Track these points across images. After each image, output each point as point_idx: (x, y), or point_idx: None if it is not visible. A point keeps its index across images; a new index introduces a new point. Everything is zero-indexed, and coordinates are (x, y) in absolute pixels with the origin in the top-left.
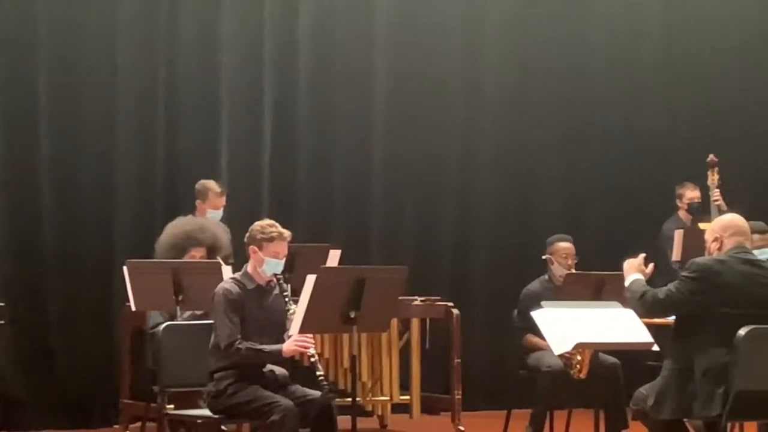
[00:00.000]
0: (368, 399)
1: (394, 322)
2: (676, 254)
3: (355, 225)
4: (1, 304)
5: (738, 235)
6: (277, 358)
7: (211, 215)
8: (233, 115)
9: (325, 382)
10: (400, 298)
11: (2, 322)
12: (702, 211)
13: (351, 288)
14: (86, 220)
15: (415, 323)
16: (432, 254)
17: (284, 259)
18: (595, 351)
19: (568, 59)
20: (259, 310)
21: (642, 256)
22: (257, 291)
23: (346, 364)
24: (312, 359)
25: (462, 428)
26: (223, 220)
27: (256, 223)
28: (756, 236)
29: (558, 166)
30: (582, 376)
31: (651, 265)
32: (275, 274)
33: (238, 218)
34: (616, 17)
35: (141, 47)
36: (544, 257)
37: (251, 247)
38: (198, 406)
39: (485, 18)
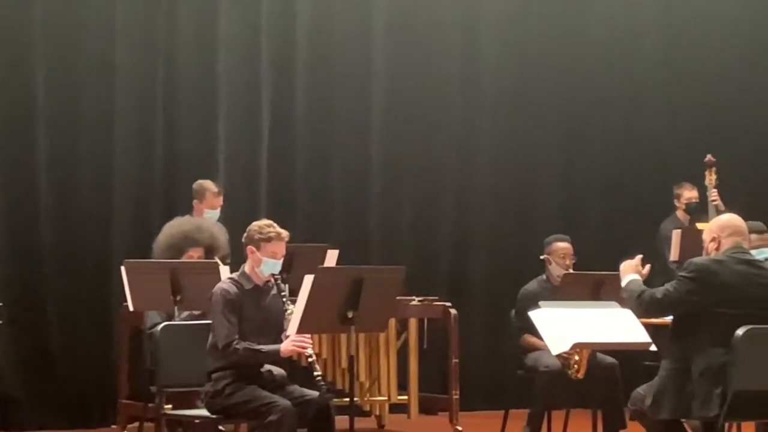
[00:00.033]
0: (366, 399)
1: (392, 322)
2: (673, 254)
3: (353, 225)
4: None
5: (735, 235)
6: (275, 358)
7: (208, 215)
8: (231, 115)
9: (322, 382)
10: (398, 298)
11: (0, 322)
12: (700, 211)
13: (349, 288)
14: (84, 220)
15: (413, 323)
16: (430, 254)
17: (282, 259)
18: (592, 351)
19: (567, 59)
20: (256, 310)
21: (639, 257)
22: (255, 291)
23: (344, 364)
24: (310, 359)
25: (460, 428)
26: (221, 220)
27: (254, 223)
28: (754, 236)
29: (557, 166)
30: (580, 376)
31: (647, 267)
32: (273, 274)
33: (236, 218)
34: (615, 17)
35: (139, 47)
36: (542, 257)
37: (249, 247)
38: (196, 406)
39: (484, 17)
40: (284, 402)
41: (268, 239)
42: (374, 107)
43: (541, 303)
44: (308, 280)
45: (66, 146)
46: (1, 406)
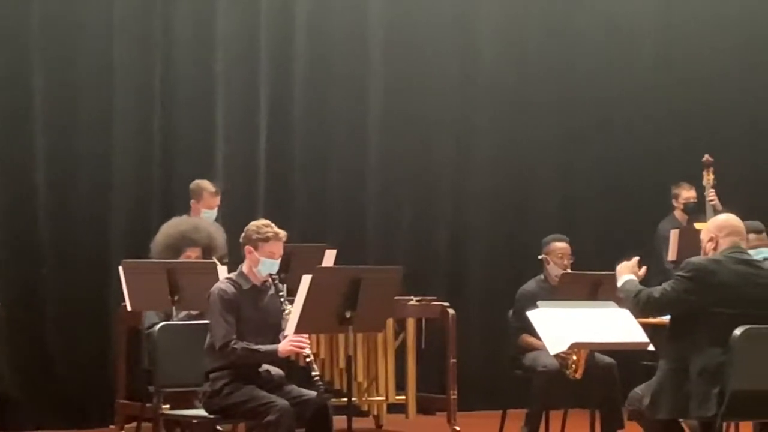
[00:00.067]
0: (364, 399)
1: (390, 322)
2: (671, 254)
3: (351, 225)
4: None
5: (733, 235)
6: (273, 358)
7: (205, 215)
8: (229, 114)
9: (320, 383)
10: (395, 298)
11: None
12: (698, 211)
13: (347, 288)
14: (82, 220)
15: (410, 323)
16: (428, 254)
17: (280, 259)
18: (590, 351)
19: (566, 58)
20: (254, 310)
21: (636, 258)
22: (253, 291)
23: (342, 364)
24: (308, 359)
25: (458, 428)
26: (219, 219)
27: (252, 223)
28: (752, 236)
29: (555, 166)
30: (578, 376)
31: (644, 268)
32: (271, 274)
33: (233, 218)
34: (613, 16)
35: (137, 47)
36: (540, 257)
37: (247, 247)
38: (194, 406)
39: (482, 17)
40: (282, 402)
41: (266, 239)
42: (372, 107)
43: (539, 303)
44: (306, 280)
45: (64, 146)
46: None
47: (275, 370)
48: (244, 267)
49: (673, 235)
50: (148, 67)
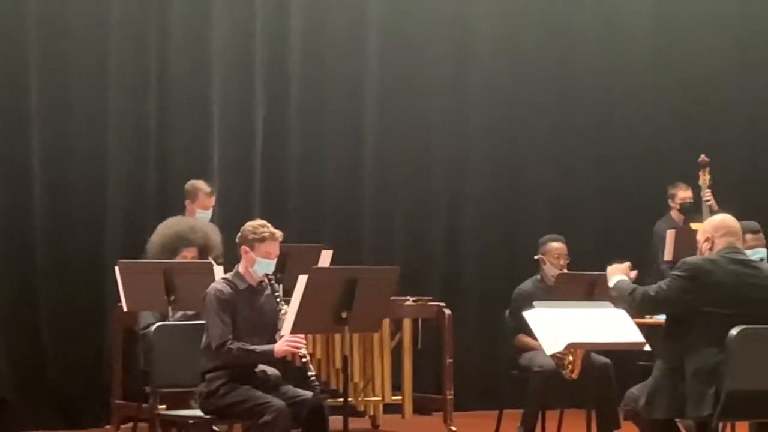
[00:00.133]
0: (360, 399)
1: (386, 322)
2: (667, 254)
3: (347, 225)
4: None
5: (729, 235)
6: (269, 358)
7: (200, 215)
8: (225, 114)
9: (316, 383)
10: (392, 298)
11: None
12: (694, 211)
13: (343, 288)
14: (78, 220)
15: (407, 323)
16: (424, 254)
17: (276, 260)
18: (587, 351)
19: (563, 58)
20: (250, 310)
21: (627, 263)
22: (249, 291)
23: (338, 364)
24: (304, 359)
25: (454, 428)
26: (215, 220)
27: (248, 223)
28: (749, 236)
29: (553, 166)
30: (574, 376)
31: (635, 272)
32: (267, 275)
33: (229, 218)
34: (610, 16)
35: (133, 46)
36: (536, 257)
37: (243, 247)
38: (190, 407)
39: (480, 16)
40: (278, 402)
41: (262, 239)
42: (368, 107)
43: (535, 303)
44: (302, 280)
45: (59, 146)
46: None
47: (271, 371)
48: (241, 267)
49: (670, 235)
50: (143, 67)
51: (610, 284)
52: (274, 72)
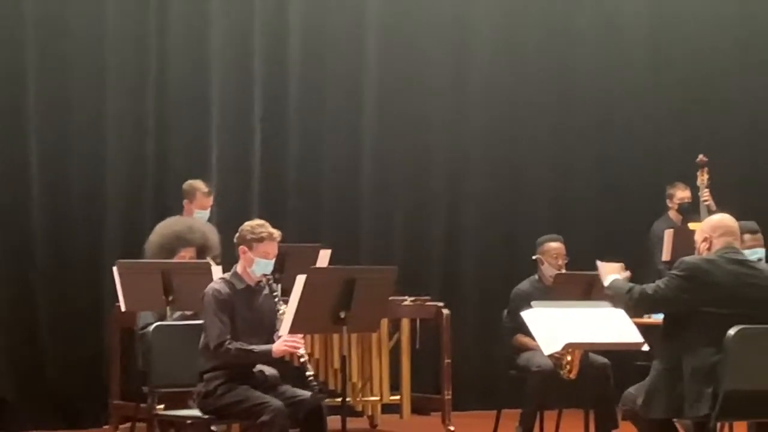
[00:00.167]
0: (358, 399)
1: (384, 322)
2: (665, 254)
3: (345, 225)
4: None
5: (727, 235)
6: (267, 358)
7: (198, 215)
8: (223, 114)
9: (315, 383)
10: (390, 298)
11: None
12: (692, 211)
13: (341, 288)
14: (76, 220)
15: (405, 323)
16: (422, 254)
17: (274, 260)
18: (585, 351)
19: (561, 58)
20: (248, 310)
21: (620, 264)
22: (247, 291)
23: (336, 364)
24: (302, 359)
25: (452, 428)
26: (213, 219)
27: (246, 223)
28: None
29: (549, 166)
30: (572, 376)
31: (627, 273)
32: (265, 275)
33: (228, 218)
34: (610, 16)
35: (131, 46)
36: (534, 257)
37: (241, 247)
38: (188, 407)
39: (480, 16)
40: (276, 402)
41: (260, 239)
42: (366, 106)
43: (533, 303)
44: (300, 280)
45: (58, 146)
46: None
47: (270, 371)
48: (239, 267)
49: (668, 235)
50: (142, 67)
51: (605, 283)
52: (273, 72)
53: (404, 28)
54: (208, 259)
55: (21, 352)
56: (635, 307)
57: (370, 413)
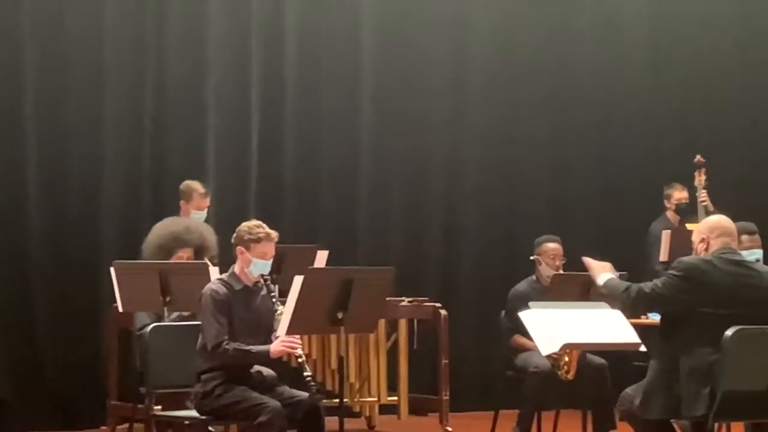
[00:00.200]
0: (356, 400)
1: (382, 322)
2: (663, 255)
3: (342, 226)
4: None
5: (724, 236)
6: (265, 359)
7: (195, 216)
8: (221, 115)
9: (312, 383)
10: (387, 298)
11: None
12: (689, 212)
13: (338, 289)
14: (73, 221)
15: (402, 324)
16: (420, 255)
17: (271, 260)
18: (582, 352)
19: (560, 57)
20: (246, 311)
21: (609, 264)
22: (244, 292)
23: (334, 365)
24: (299, 360)
25: (450, 429)
26: (210, 220)
27: (244, 223)
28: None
29: (547, 166)
30: (569, 376)
31: (616, 274)
32: (262, 275)
33: (225, 218)
34: (609, 15)
35: (128, 47)
36: (532, 258)
37: (238, 247)
38: (185, 407)
39: (479, 16)
40: (274, 403)
41: (258, 240)
42: (363, 107)
43: (530, 303)
44: (298, 280)
45: (55, 146)
46: None
47: (267, 371)
48: (236, 268)
49: (665, 235)
50: (139, 67)
51: (599, 282)
52: (270, 73)
53: (403, 28)
54: (206, 260)
55: (20, 352)
56: (632, 305)
57: (367, 414)
